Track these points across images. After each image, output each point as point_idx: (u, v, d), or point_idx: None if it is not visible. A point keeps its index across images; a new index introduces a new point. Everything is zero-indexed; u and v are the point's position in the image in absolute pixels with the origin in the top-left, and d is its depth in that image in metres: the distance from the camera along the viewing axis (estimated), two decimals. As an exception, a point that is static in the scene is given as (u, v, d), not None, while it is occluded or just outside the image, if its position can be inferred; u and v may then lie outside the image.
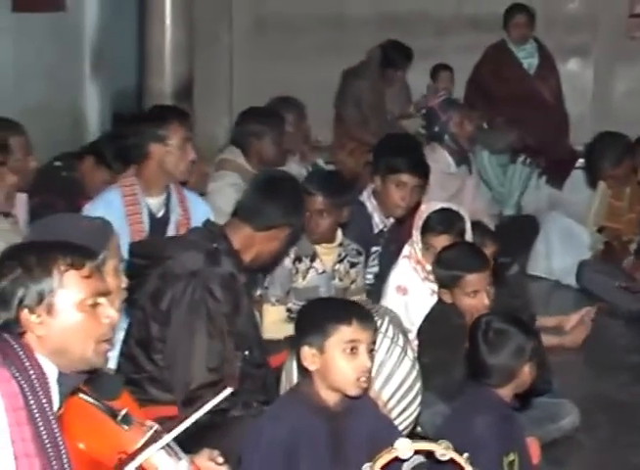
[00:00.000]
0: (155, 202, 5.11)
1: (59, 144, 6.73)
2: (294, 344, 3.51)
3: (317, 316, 3.35)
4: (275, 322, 5.12)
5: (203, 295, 3.95)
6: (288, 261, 5.18)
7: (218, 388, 3.09)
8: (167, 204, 5.13)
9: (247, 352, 4.16)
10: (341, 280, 5.37)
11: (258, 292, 5.15)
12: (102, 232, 3.27)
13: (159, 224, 5.06)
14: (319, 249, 5.29)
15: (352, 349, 3.25)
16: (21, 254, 2.67)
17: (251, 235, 4.16)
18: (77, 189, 6.00)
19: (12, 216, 5.10)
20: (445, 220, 5.10)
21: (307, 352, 3.29)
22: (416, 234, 5.11)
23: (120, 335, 4.14)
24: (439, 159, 6.87)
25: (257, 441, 3.27)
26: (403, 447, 2.94)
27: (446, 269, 4.71)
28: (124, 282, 3.29)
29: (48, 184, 5.82)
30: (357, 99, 8.41)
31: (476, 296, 4.60)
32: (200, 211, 5.07)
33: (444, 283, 4.72)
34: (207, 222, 4.38)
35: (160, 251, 4.13)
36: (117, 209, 4.99)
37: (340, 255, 5.37)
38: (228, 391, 2.97)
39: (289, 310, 5.21)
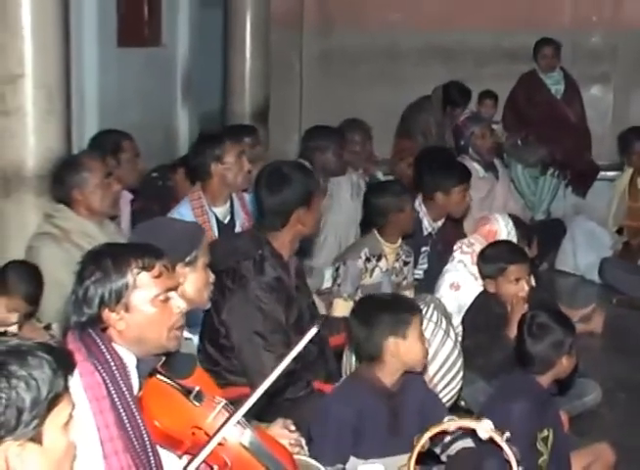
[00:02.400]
0: (220, 210, 5.06)
1: (154, 158, 6.73)
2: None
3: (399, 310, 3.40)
4: (344, 314, 4.97)
5: (254, 302, 3.87)
6: (360, 262, 5.11)
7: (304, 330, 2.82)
8: (232, 210, 5.08)
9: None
10: (396, 276, 5.31)
11: (326, 285, 5.03)
12: (195, 233, 3.27)
13: (227, 229, 4.99)
14: (386, 248, 5.21)
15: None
16: (98, 258, 2.63)
17: (280, 236, 3.98)
18: (171, 196, 5.96)
19: (117, 217, 5.10)
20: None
21: (391, 342, 3.32)
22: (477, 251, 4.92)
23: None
24: (469, 167, 6.76)
25: (326, 422, 3.29)
26: (449, 425, 3.04)
27: (492, 263, 4.69)
28: (212, 277, 3.25)
29: (146, 192, 5.85)
30: (425, 129, 8.30)
31: (518, 283, 4.60)
32: None
33: (490, 274, 4.70)
34: (255, 226, 4.27)
35: (215, 263, 3.94)
36: (189, 220, 4.96)
37: (398, 254, 5.31)
38: (314, 330, 2.76)
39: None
